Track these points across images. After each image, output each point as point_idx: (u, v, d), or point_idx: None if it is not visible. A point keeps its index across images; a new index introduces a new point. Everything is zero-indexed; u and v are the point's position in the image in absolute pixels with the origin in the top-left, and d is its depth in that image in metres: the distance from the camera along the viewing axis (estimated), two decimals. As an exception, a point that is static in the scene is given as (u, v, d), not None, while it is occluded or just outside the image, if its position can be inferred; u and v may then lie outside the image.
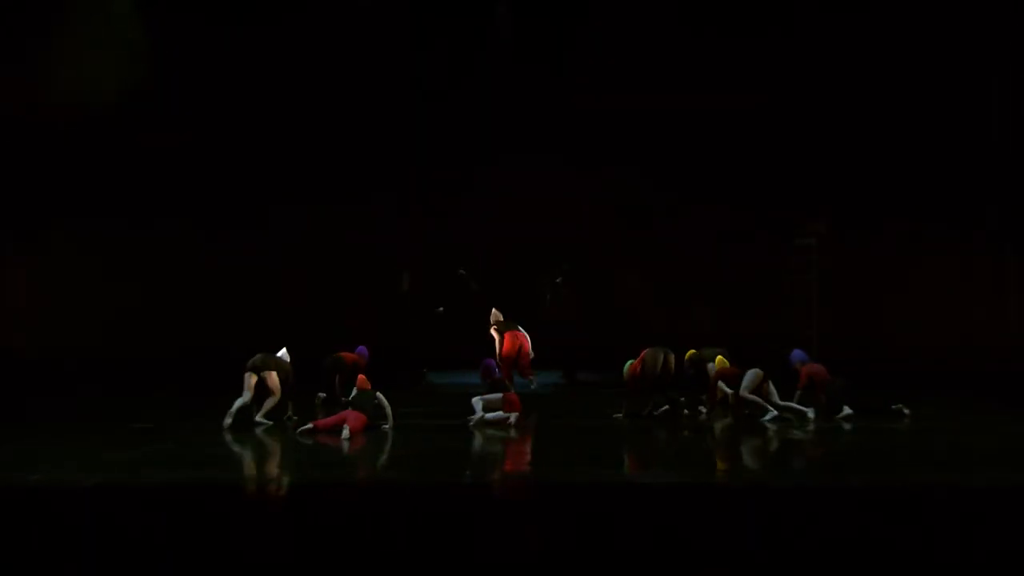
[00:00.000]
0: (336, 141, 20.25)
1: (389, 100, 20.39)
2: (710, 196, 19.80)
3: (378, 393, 12.99)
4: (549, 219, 19.93)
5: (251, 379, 13.46)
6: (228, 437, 12.24)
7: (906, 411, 13.99)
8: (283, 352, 14.19)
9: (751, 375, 14.17)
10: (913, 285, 19.71)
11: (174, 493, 9.33)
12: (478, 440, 12.30)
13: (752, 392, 14.14)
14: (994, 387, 16.60)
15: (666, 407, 14.34)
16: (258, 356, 13.76)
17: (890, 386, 16.82)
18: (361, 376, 13.38)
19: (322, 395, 15.41)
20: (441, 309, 18.09)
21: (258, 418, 13.25)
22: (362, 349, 15.96)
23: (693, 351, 15.29)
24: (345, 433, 12.19)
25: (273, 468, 10.88)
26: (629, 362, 14.46)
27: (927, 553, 7.64)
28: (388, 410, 12.96)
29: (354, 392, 13.24)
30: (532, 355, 16.30)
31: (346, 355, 15.71)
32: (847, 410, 13.94)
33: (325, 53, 19.99)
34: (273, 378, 13.42)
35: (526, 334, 16.33)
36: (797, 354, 14.78)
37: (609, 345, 17.22)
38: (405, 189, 20.57)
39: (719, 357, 14.90)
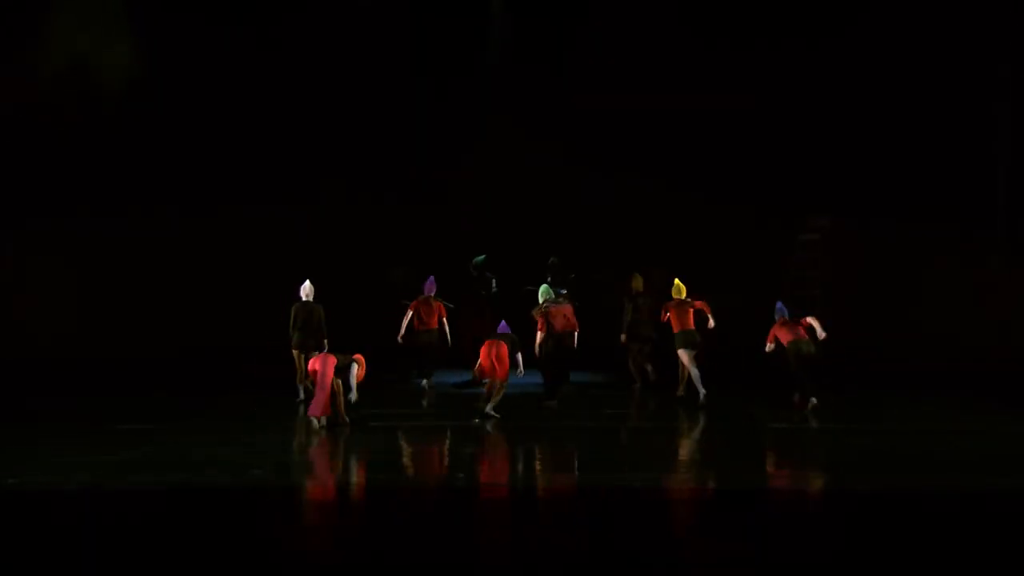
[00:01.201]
0: (334, 139, 20.25)
1: (388, 99, 20.39)
2: (712, 194, 19.78)
3: (355, 364, 12.74)
4: (548, 218, 19.91)
5: (300, 358, 14.29)
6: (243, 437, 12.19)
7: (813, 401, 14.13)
8: (308, 288, 14.43)
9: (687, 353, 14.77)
10: (916, 284, 19.70)
11: (172, 496, 9.32)
12: (471, 441, 12.28)
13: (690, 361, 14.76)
14: (994, 387, 16.56)
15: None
16: (297, 335, 14.09)
17: (891, 386, 16.84)
18: (359, 356, 13.14)
19: (425, 379, 15.97)
20: (452, 306, 18.01)
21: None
22: (430, 283, 16.25)
23: (637, 275, 16.33)
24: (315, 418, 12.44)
25: (268, 471, 10.83)
26: (547, 301, 14.71)
27: (928, 556, 7.63)
28: (353, 382, 12.70)
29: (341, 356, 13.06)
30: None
31: (413, 309, 15.97)
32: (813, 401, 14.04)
33: (325, 52, 20.00)
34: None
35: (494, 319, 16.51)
36: (780, 307, 14.77)
37: (606, 345, 17.23)
38: (404, 188, 20.55)
39: (676, 281, 15.29)
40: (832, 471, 10.62)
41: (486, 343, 13.59)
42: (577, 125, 20.07)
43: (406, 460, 11.42)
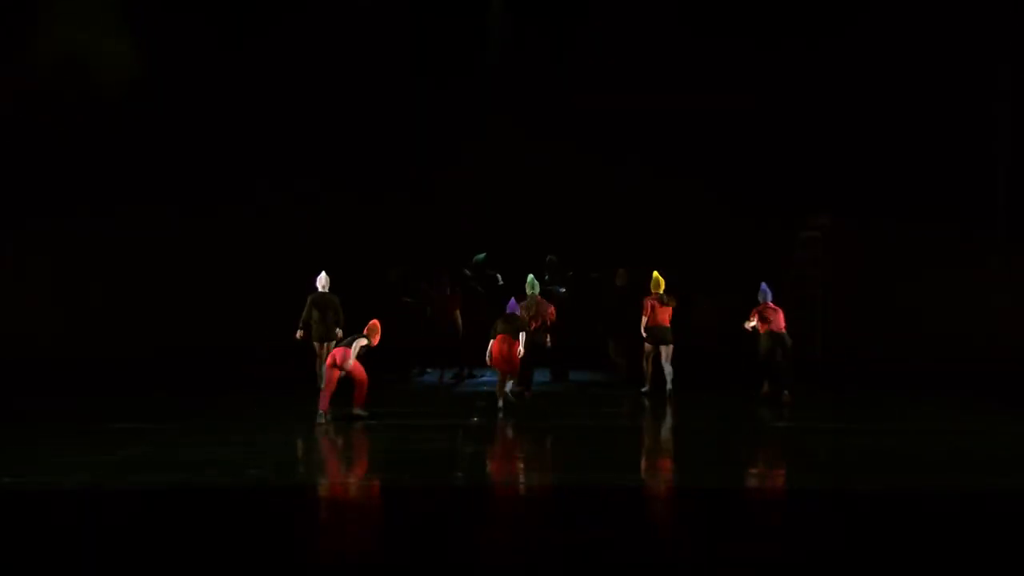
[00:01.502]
0: (333, 139, 20.23)
1: (388, 99, 20.37)
2: (712, 194, 19.76)
3: (364, 339, 12.98)
4: (548, 217, 19.89)
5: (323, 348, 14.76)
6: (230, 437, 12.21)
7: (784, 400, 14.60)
8: (324, 279, 14.92)
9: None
10: (916, 284, 19.67)
11: (172, 496, 9.32)
12: (470, 440, 12.27)
13: (650, 355, 15.41)
14: (995, 387, 16.54)
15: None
16: (316, 326, 14.71)
17: (891, 386, 16.83)
18: (374, 321, 13.37)
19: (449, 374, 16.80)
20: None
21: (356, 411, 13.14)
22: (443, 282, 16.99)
23: (622, 271, 16.86)
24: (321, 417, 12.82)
25: (268, 471, 10.82)
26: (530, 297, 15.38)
27: (928, 556, 7.63)
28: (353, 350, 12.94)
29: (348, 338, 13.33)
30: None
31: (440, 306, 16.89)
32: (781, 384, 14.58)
33: (324, 52, 19.99)
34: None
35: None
36: (764, 288, 15.14)
37: (605, 344, 17.26)
38: (404, 188, 20.54)
39: (655, 275, 15.61)
40: (832, 471, 10.61)
41: (498, 338, 13.98)
42: (577, 125, 20.06)
43: (405, 459, 11.40)
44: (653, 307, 15.38)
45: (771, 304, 15.08)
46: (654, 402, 15.12)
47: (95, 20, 19.16)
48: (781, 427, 13.29)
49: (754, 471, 11.00)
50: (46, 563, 7.38)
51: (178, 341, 19.41)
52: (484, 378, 17.17)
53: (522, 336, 14.20)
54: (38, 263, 19.88)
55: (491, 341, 14.06)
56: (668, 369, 15.41)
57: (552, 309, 15.49)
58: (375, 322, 13.19)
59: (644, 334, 15.42)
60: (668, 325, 15.39)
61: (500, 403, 13.98)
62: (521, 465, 11.34)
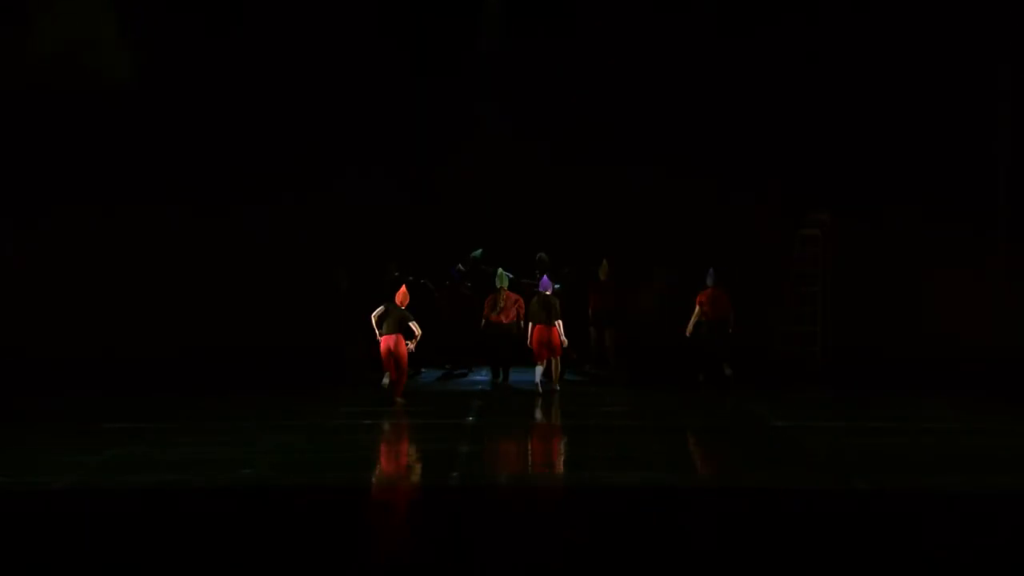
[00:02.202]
0: (333, 139, 20.22)
1: (388, 99, 20.36)
2: (710, 192, 19.73)
3: (408, 319, 14.04)
4: (547, 216, 19.87)
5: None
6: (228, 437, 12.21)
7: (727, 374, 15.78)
8: (345, 279, 15.37)
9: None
10: (916, 283, 19.64)
11: (170, 496, 9.31)
12: (467, 441, 12.26)
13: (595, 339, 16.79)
14: (995, 386, 16.53)
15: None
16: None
17: (891, 386, 16.82)
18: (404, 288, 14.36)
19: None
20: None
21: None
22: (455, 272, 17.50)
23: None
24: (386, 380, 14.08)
25: (266, 471, 10.81)
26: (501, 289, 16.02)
27: (928, 556, 7.62)
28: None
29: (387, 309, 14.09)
30: None
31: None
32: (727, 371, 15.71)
33: (325, 51, 19.98)
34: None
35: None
36: (711, 272, 15.63)
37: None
38: (405, 187, 20.53)
39: (604, 262, 16.86)
40: (832, 471, 10.60)
41: (536, 328, 14.92)
42: (576, 124, 20.04)
43: (401, 459, 11.40)
44: (592, 293, 16.61)
45: (714, 288, 15.54)
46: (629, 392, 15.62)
47: (95, 17, 19.15)
48: (780, 425, 13.28)
49: (753, 470, 10.98)
50: (40, 564, 7.37)
51: (179, 341, 19.38)
52: (479, 376, 17.20)
53: (559, 323, 14.95)
54: (38, 262, 19.85)
55: (531, 327, 14.96)
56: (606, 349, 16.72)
57: (521, 302, 15.97)
58: (403, 288, 14.27)
59: (592, 319, 16.56)
60: (612, 308, 16.56)
61: (554, 384, 15.07)
62: (517, 464, 11.32)
